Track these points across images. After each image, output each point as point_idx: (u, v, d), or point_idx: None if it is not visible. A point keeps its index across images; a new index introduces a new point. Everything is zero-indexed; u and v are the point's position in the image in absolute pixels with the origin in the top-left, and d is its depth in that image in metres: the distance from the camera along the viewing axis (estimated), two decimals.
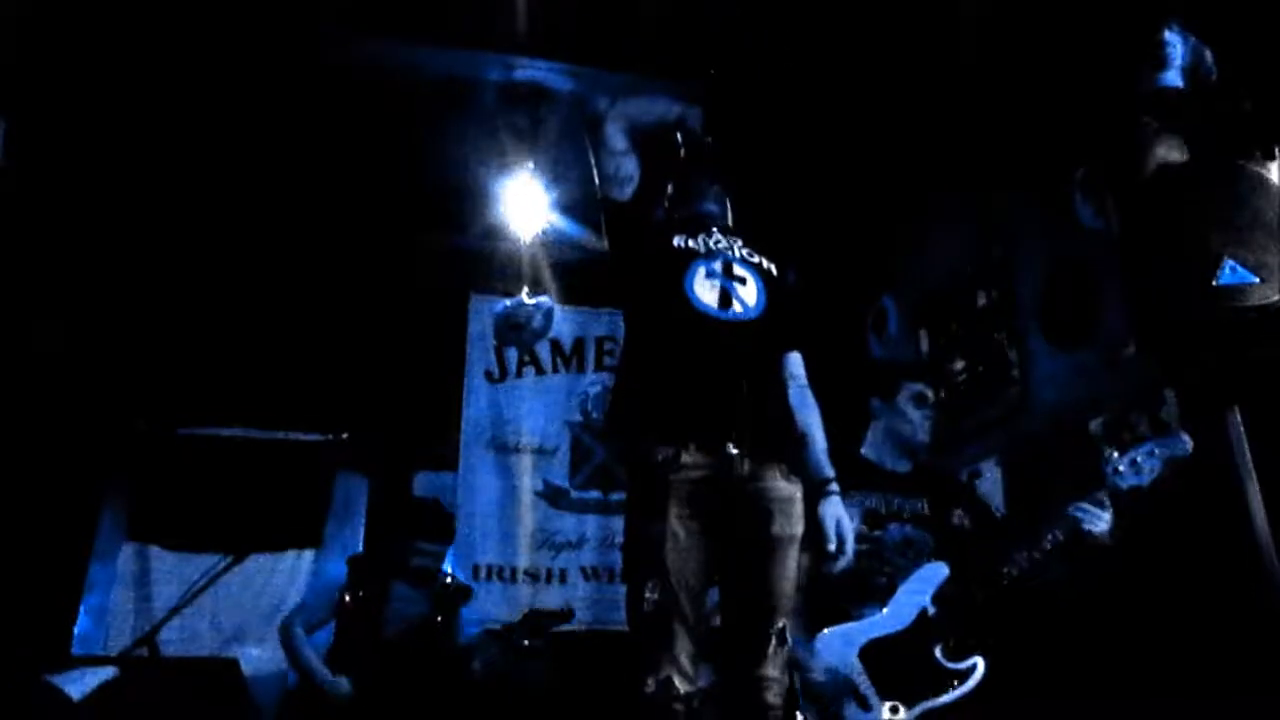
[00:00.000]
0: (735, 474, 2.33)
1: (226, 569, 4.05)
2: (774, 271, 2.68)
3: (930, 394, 3.34)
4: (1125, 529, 3.04)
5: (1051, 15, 3.38)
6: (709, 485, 2.30)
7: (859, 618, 3.19)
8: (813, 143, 4.25)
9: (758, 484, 2.36)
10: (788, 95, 3.96)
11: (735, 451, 2.33)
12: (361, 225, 5.02)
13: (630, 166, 2.61)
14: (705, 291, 2.51)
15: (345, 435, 5.26)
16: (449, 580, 4.07)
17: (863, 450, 3.28)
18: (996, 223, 4.27)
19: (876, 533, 3.13)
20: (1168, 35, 2.80)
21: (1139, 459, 2.99)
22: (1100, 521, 3.00)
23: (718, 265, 2.56)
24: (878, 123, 4.12)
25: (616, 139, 2.60)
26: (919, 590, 3.25)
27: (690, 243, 2.61)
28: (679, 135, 2.76)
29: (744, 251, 2.65)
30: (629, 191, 2.62)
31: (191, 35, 3.72)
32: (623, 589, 2.34)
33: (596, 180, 2.66)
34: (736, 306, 2.51)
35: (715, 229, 2.67)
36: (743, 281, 2.56)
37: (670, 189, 2.78)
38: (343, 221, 4.95)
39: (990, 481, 4.06)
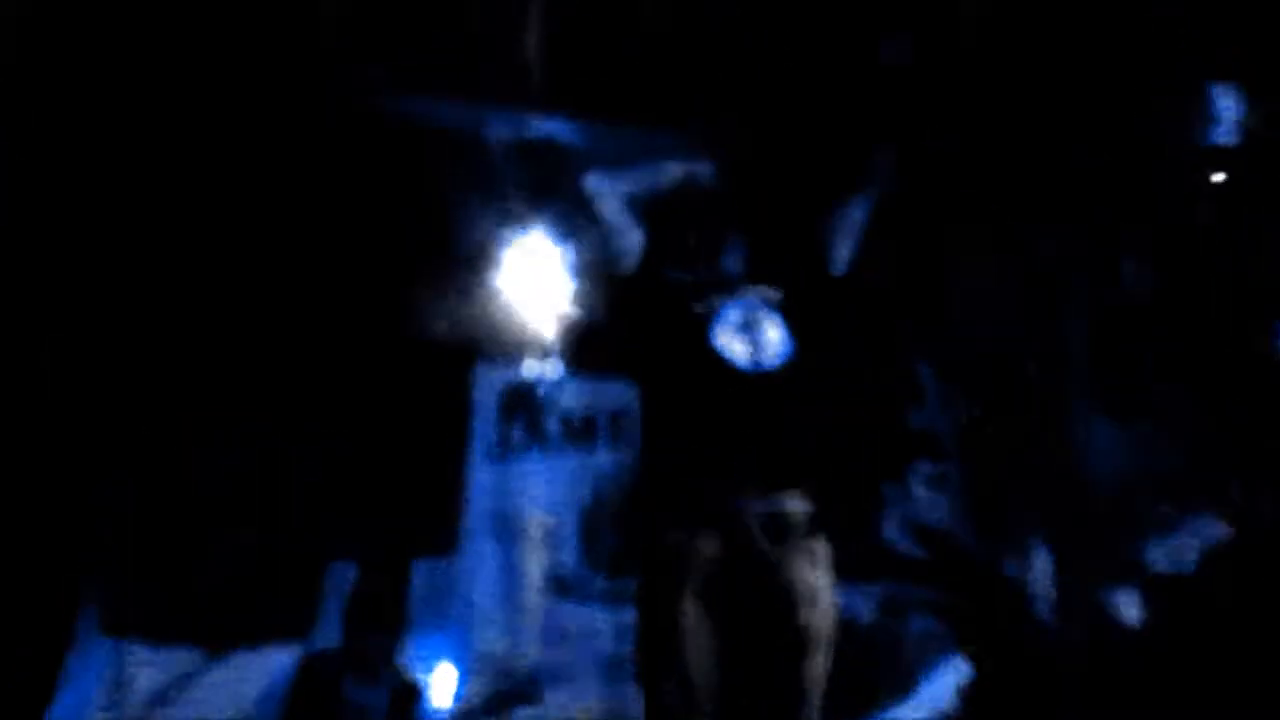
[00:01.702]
0: (757, 560, 2.25)
1: (208, 664, 3.95)
2: (796, 324, 2.57)
3: (944, 471, 3.44)
4: (1159, 616, 3.03)
5: (1103, 69, 3.33)
6: (728, 572, 2.24)
7: (879, 714, 3.20)
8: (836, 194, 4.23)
9: (782, 572, 2.28)
10: (812, 143, 3.93)
11: (757, 536, 2.25)
12: (359, 290, 4.88)
13: (634, 240, 2.61)
14: (726, 350, 2.46)
15: (336, 519, 5.10)
16: (400, 679, 4.11)
17: (879, 537, 3.33)
18: (1044, 287, 4.11)
19: (896, 623, 3.21)
20: (1220, 91, 2.81)
21: (1178, 544, 3.03)
22: (1133, 608, 3.07)
23: (736, 317, 2.50)
24: (910, 183, 4.02)
25: (615, 216, 2.61)
26: (940, 686, 3.25)
27: (706, 304, 2.54)
28: (688, 193, 2.74)
29: (761, 306, 2.57)
30: (634, 264, 2.61)
31: (204, 78, 3.82)
32: (635, 677, 2.37)
33: (603, 253, 2.70)
34: (758, 363, 2.45)
35: (732, 286, 2.59)
36: (761, 339, 2.50)
37: (683, 247, 2.69)
38: (339, 286, 4.83)
39: (1040, 564, 3.77)
